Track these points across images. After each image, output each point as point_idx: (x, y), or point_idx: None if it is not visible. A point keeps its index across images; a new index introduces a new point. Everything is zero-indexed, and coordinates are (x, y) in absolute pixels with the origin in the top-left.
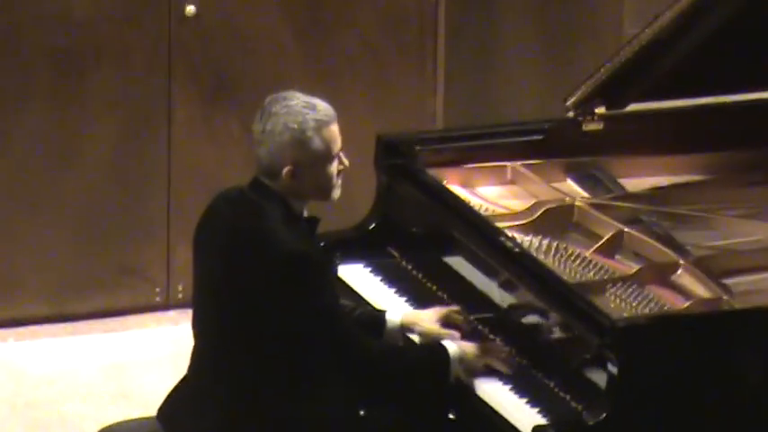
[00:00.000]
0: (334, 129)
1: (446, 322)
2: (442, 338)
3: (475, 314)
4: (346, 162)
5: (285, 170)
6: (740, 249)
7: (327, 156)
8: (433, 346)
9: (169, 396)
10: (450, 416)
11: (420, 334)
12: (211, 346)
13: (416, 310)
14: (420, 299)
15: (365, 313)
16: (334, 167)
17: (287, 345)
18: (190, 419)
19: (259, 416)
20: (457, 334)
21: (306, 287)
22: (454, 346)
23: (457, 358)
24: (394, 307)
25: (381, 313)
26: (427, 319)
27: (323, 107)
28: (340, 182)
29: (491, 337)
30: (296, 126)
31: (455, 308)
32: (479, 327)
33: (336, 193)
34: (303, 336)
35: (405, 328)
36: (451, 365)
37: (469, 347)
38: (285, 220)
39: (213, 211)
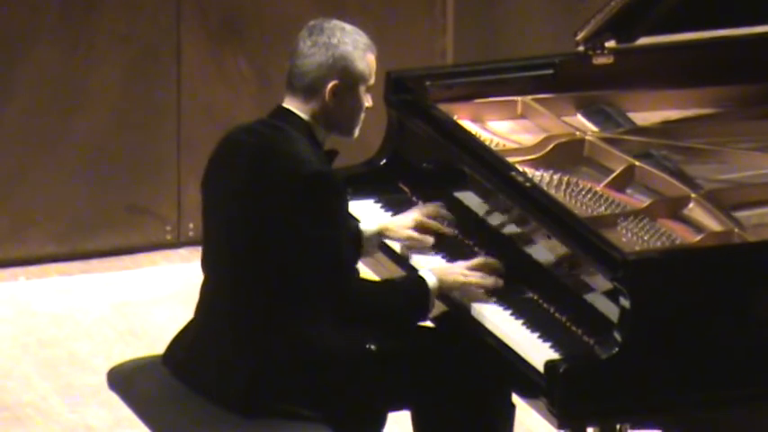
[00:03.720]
0: (374, 59)
1: (421, 227)
2: (417, 245)
3: (484, 249)
4: (371, 102)
5: (330, 85)
6: (751, 182)
7: (367, 81)
8: (410, 280)
9: (174, 340)
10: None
11: (396, 240)
12: (222, 281)
13: (392, 217)
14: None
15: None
16: (369, 98)
17: (297, 272)
18: (195, 362)
19: (266, 351)
20: (431, 239)
21: (325, 208)
22: (433, 277)
23: (435, 290)
24: (370, 216)
25: (356, 223)
26: (403, 225)
27: (367, 36)
28: (360, 122)
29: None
30: (349, 42)
31: (431, 208)
32: (457, 233)
33: (356, 132)
34: (309, 261)
35: (383, 236)
36: (430, 294)
37: (447, 273)
38: (309, 146)
39: (229, 143)
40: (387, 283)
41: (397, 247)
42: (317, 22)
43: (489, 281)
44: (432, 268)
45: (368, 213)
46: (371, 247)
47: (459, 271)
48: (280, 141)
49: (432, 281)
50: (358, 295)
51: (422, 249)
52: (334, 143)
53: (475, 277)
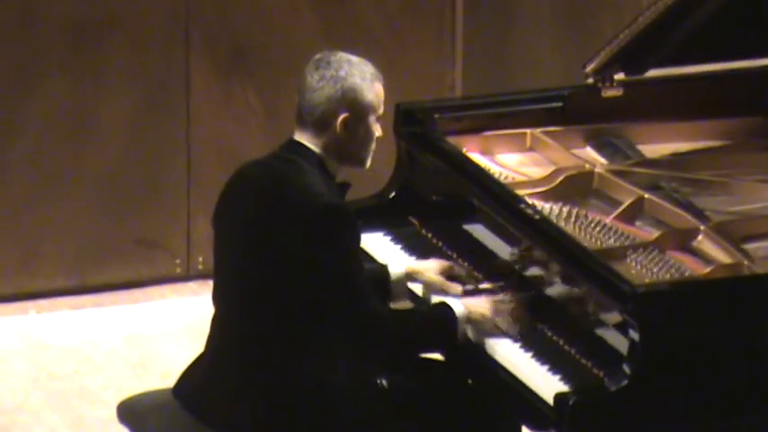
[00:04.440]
0: (382, 88)
1: (449, 274)
2: (445, 290)
3: (495, 282)
4: (380, 131)
5: (341, 117)
6: (761, 214)
7: (376, 111)
8: (439, 307)
9: (185, 373)
10: (470, 382)
11: (423, 284)
12: (233, 314)
13: (420, 261)
14: None
15: (370, 270)
16: (378, 127)
17: (311, 307)
18: (206, 396)
19: (277, 384)
20: (459, 287)
21: (339, 241)
22: (461, 306)
23: (464, 318)
24: (397, 260)
25: (385, 267)
26: (431, 269)
27: (374, 66)
28: (372, 151)
29: (498, 295)
30: (357, 74)
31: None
32: (484, 284)
33: (369, 162)
34: (327, 295)
35: (409, 279)
36: (459, 325)
37: (475, 306)
38: (321, 179)
39: (242, 176)
40: (415, 311)
41: (418, 289)
42: (323, 55)
43: (515, 313)
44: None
45: (383, 249)
46: (400, 291)
47: (486, 301)
48: (292, 174)
49: (459, 309)
50: (387, 323)
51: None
52: (346, 174)
53: (503, 318)
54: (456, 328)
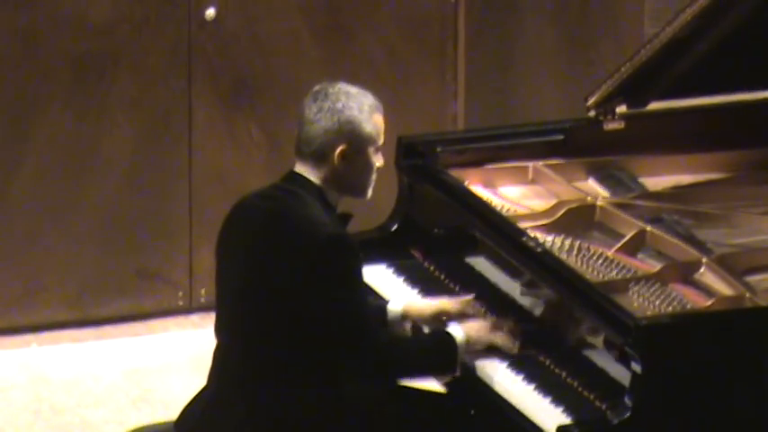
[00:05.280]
0: (382, 119)
1: (447, 314)
2: (444, 317)
3: (496, 315)
4: (382, 161)
5: (339, 150)
6: (762, 247)
7: (376, 143)
8: (439, 334)
9: (187, 407)
10: (471, 412)
11: (422, 324)
12: (235, 346)
13: (419, 300)
14: None
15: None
16: (378, 158)
17: (314, 338)
18: (208, 429)
19: (280, 416)
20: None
21: (343, 271)
22: (461, 332)
23: (464, 344)
24: (397, 296)
25: (384, 303)
26: (429, 310)
27: (373, 97)
28: (373, 181)
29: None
30: (355, 106)
31: (464, 299)
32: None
33: (369, 192)
34: (330, 323)
35: (407, 318)
36: (459, 351)
37: (474, 329)
38: (322, 210)
39: (243, 208)
40: (416, 339)
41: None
42: (322, 86)
43: (514, 340)
44: (459, 324)
45: (385, 282)
46: (400, 328)
47: (485, 326)
48: (294, 205)
49: (459, 336)
50: (388, 350)
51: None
52: (347, 205)
53: (501, 335)
54: (456, 351)
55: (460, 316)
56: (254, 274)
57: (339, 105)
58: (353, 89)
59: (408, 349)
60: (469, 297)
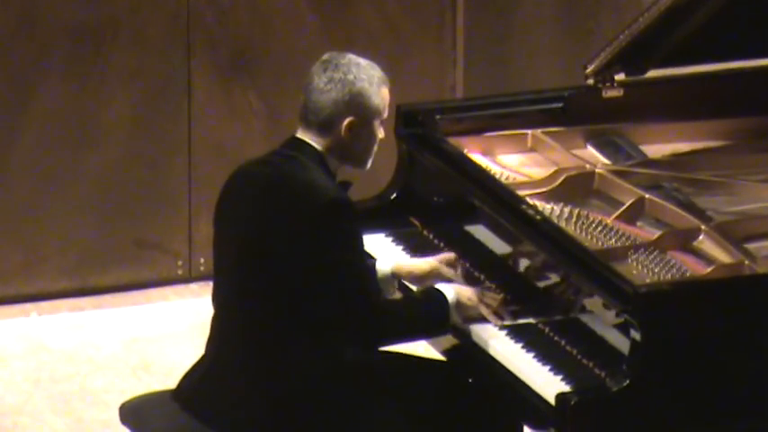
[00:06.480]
0: (388, 92)
1: (437, 274)
2: (437, 277)
3: (496, 282)
4: (383, 133)
5: (347, 121)
6: (761, 214)
7: (381, 115)
8: (431, 290)
9: (186, 375)
10: (470, 381)
11: (412, 283)
12: (233, 315)
13: (408, 260)
14: None
15: None
16: (381, 131)
17: (313, 303)
18: (207, 397)
19: (278, 384)
20: (451, 272)
21: (344, 234)
22: (452, 291)
23: (455, 300)
24: (386, 255)
25: (372, 261)
26: (418, 269)
27: (380, 69)
28: (374, 153)
29: (487, 284)
30: (365, 78)
31: (448, 256)
32: (468, 266)
33: (369, 164)
34: (331, 286)
35: (396, 277)
36: (450, 306)
37: (465, 296)
38: (323, 174)
39: (242, 175)
40: (407, 298)
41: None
42: (332, 56)
43: (503, 303)
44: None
45: (383, 250)
46: (388, 287)
47: (476, 296)
48: (293, 170)
49: (450, 294)
50: (381, 311)
51: None
52: (346, 174)
53: (490, 296)
54: (448, 305)
55: (452, 277)
56: (254, 239)
57: (350, 77)
58: (363, 61)
59: (403, 306)
60: (452, 255)
